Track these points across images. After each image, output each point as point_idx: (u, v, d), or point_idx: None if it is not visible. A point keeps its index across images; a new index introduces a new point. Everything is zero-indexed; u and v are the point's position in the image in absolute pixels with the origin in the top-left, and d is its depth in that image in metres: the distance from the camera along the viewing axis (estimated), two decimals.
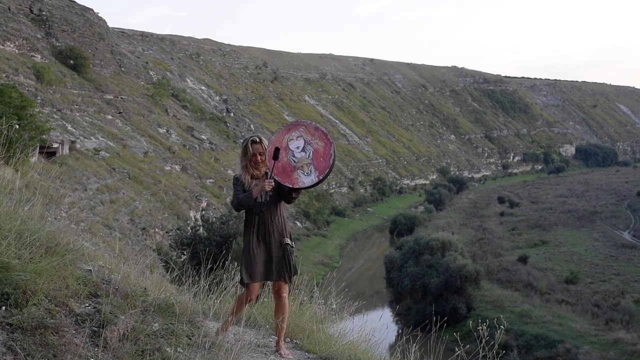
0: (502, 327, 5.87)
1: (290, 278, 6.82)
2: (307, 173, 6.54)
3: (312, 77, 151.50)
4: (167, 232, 44.93)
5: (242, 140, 6.77)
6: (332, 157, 6.51)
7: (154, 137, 68.07)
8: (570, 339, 43.13)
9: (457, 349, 6.00)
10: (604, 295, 53.31)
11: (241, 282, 6.76)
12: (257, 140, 6.78)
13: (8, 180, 7.02)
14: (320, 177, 6.53)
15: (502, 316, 6.71)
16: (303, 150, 6.60)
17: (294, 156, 6.60)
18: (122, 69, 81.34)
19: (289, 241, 6.82)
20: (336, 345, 6.63)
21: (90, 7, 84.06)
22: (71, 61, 66.97)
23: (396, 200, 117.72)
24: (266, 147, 6.74)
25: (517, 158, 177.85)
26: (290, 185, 6.56)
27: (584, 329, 44.72)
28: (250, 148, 6.72)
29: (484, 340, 5.72)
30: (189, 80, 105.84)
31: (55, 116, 52.15)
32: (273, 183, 6.56)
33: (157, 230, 45.97)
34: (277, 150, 6.49)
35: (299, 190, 6.70)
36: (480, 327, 5.94)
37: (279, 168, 6.58)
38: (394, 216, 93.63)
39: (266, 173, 6.67)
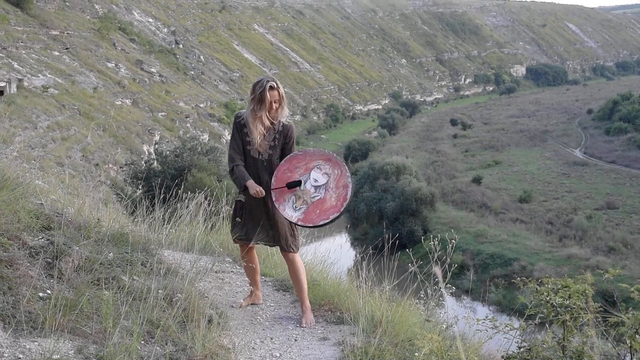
0: (453, 241, 5.96)
1: (291, 248, 6.28)
2: (296, 208, 5.95)
3: (261, 5, 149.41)
4: (120, 167, 44.58)
5: (255, 83, 6.10)
6: (323, 222, 5.87)
7: (102, 72, 67.00)
8: (525, 256, 43.90)
9: (410, 266, 6.11)
10: (557, 212, 54.24)
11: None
12: (275, 86, 6.09)
13: None
14: (298, 224, 5.98)
15: (452, 230, 6.79)
16: (317, 188, 5.98)
17: (305, 184, 6.01)
18: (67, 3, 79.48)
19: None
20: None
21: None
22: None
23: (349, 126, 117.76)
24: (282, 93, 6.14)
25: (468, 80, 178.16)
26: (273, 200, 6.04)
27: (539, 246, 45.53)
28: (267, 96, 6.04)
29: (436, 255, 5.82)
30: (135, 13, 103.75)
31: (1, 54, 51.06)
32: (262, 195, 6.06)
33: (110, 165, 45.63)
34: (297, 183, 6.03)
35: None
36: (432, 242, 6.03)
37: (284, 179, 6.05)
38: (347, 142, 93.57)
39: (273, 128, 6.20)
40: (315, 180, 6.00)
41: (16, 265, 4.59)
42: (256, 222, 6.21)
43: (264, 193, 6.06)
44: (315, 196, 5.96)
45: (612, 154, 78.14)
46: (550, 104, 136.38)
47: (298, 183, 6.02)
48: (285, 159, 6.14)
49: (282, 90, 6.15)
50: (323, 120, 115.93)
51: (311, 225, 5.94)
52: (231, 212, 6.65)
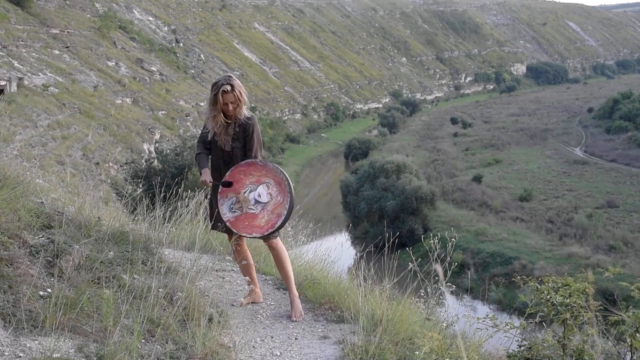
0: (453, 239, 5.97)
1: (266, 236, 6.19)
2: (232, 209, 6.07)
3: (261, 3, 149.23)
4: (121, 166, 44.57)
5: (213, 83, 6.21)
6: (246, 234, 6.05)
7: (103, 70, 66.97)
8: (526, 255, 43.78)
9: (410, 264, 6.11)
10: (558, 211, 54.12)
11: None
12: (228, 89, 6.12)
13: None
14: (226, 223, 6.05)
15: (453, 229, 6.80)
16: (257, 203, 6.05)
17: (249, 193, 6.08)
18: (67, 2, 79.44)
19: None
20: (292, 266, 6.69)
21: None
22: None
23: (350, 125, 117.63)
24: (238, 95, 6.17)
25: (468, 78, 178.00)
26: (218, 192, 6.16)
27: (539, 245, 45.42)
28: (220, 99, 6.12)
29: (436, 254, 5.81)
30: (136, 12, 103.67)
31: (1, 53, 51.04)
32: (209, 184, 6.26)
33: (111, 164, 45.63)
34: (228, 184, 6.13)
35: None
36: (432, 241, 6.04)
37: (235, 176, 6.16)
38: (348, 141, 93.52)
39: (234, 123, 6.27)
40: (259, 195, 6.10)
41: (17, 264, 4.59)
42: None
43: (208, 185, 6.27)
44: (250, 209, 6.07)
45: (612, 152, 78.01)
46: (551, 102, 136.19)
47: (229, 184, 6.15)
48: (247, 161, 6.23)
49: (238, 91, 6.21)
50: (323, 119, 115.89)
51: (234, 230, 6.04)
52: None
